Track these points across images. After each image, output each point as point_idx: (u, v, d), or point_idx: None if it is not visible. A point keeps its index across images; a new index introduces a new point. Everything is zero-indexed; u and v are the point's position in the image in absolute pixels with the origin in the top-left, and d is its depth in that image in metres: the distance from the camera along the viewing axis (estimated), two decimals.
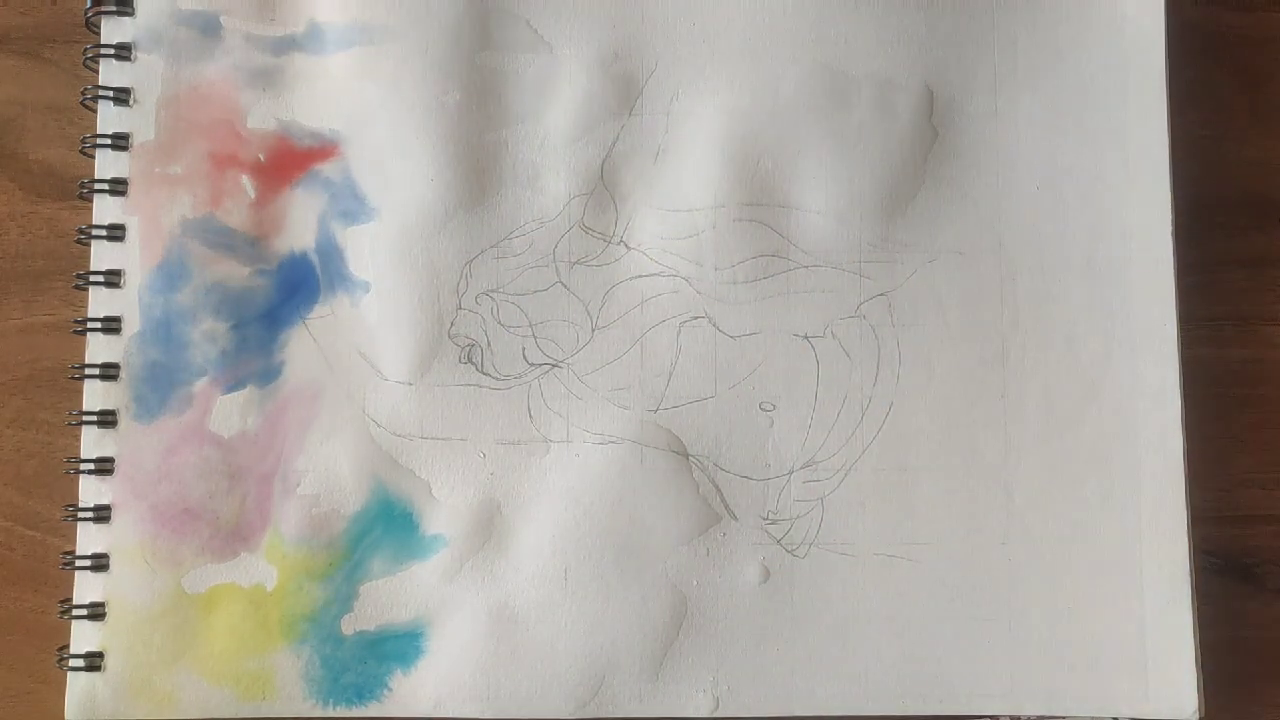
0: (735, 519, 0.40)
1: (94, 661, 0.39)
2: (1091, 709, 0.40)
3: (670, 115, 0.42)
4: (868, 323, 0.41)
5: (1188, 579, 0.40)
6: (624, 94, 0.41)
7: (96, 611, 0.39)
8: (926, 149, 0.41)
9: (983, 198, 0.41)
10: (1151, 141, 0.41)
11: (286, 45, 0.41)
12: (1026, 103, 0.42)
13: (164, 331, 0.40)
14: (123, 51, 0.41)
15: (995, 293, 0.41)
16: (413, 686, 0.39)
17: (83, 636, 0.39)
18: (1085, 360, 0.41)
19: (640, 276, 0.41)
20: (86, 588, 0.39)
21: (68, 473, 0.39)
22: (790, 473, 0.40)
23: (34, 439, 0.41)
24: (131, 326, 0.40)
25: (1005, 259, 0.41)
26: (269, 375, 0.40)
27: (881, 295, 0.41)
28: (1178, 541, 0.40)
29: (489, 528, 0.40)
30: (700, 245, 0.41)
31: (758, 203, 0.41)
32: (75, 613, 0.39)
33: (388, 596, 0.40)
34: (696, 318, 0.41)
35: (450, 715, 0.39)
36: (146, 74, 0.41)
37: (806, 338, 0.41)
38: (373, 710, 0.39)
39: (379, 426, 0.40)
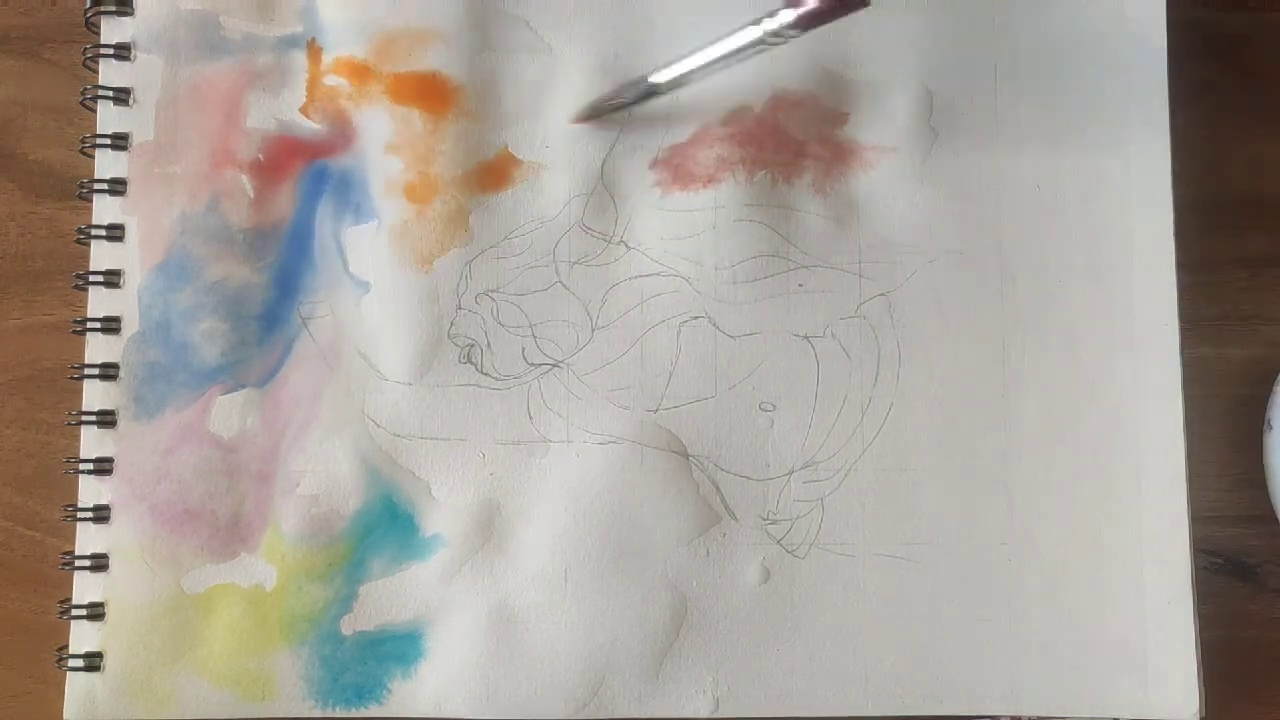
0: (735, 519, 0.40)
1: (93, 661, 0.39)
2: (1092, 709, 0.40)
3: (670, 115, 0.42)
4: (867, 323, 0.41)
5: (1188, 579, 0.40)
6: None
7: (96, 611, 0.39)
8: (926, 150, 0.41)
9: (983, 198, 0.41)
10: (1153, 142, 0.41)
11: (286, 45, 0.41)
12: (1027, 103, 0.42)
13: (163, 331, 0.40)
14: (122, 51, 0.41)
15: (995, 293, 0.41)
16: (413, 687, 0.39)
17: (82, 636, 0.39)
18: (1086, 360, 0.41)
19: (640, 276, 0.41)
20: (86, 588, 0.39)
21: (67, 473, 0.39)
22: (790, 473, 0.40)
23: (34, 439, 0.41)
24: (131, 326, 0.40)
25: (1005, 259, 0.41)
26: (268, 375, 0.40)
27: (881, 295, 0.41)
28: (1178, 541, 0.40)
29: (489, 528, 0.40)
30: (700, 245, 0.41)
31: (758, 203, 0.41)
32: (75, 613, 0.39)
33: (387, 597, 0.40)
34: (696, 318, 0.41)
35: (450, 716, 0.39)
36: (146, 74, 0.41)
37: (806, 338, 0.41)
38: (373, 711, 0.39)
39: (378, 427, 0.40)
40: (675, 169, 0.41)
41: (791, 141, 0.41)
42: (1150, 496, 0.40)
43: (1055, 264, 0.41)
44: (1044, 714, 0.40)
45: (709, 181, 0.41)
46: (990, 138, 0.42)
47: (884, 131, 0.42)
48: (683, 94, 0.42)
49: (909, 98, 0.41)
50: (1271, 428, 0.41)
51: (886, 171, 0.41)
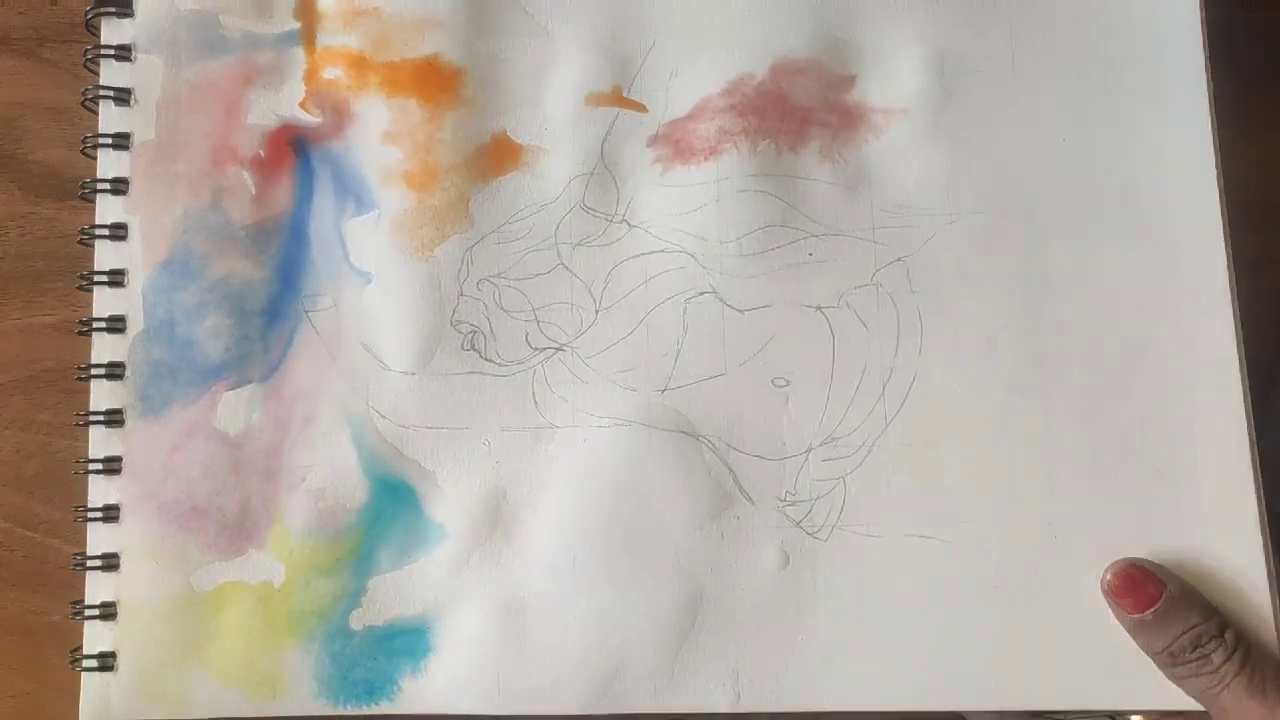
0: (751, 502, 0.38)
1: (107, 661, 0.38)
2: (1154, 702, 0.37)
3: (670, 92, 0.40)
4: (884, 291, 0.39)
5: (1261, 553, 0.36)
6: (622, 72, 0.41)
7: (108, 611, 0.39)
8: (939, 109, 0.40)
9: (1003, 155, 0.39)
10: (1190, 83, 0.39)
11: (285, 41, 0.41)
12: (1045, 56, 0.40)
13: (168, 330, 0.40)
14: (123, 53, 0.41)
15: (1022, 253, 0.39)
16: (423, 683, 0.38)
17: (95, 637, 0.39)
18: (1129, 320, 0.38)
19: (644, 254, 0.40)
20: (98, 588, 0.39)
21: (76, 473, 0.39)
22: (808, 451, 0.39)
23: (34, 439, 0.41)
24: (136, 325, 0.40)
25: (1033, 217, 0.39)
26: (272, 370, 0.40)
27: (898, 261, 0.39)
28: (1246, 514, 0.37)
29: (495, 517, 0.39)
30: (704, 219, 0.40)
31: (762, 173, 0.40)
32: (88, 613, 0.39)
33: (395, 590, 0.39)
34: (702, 293, 0.39)
35: (462, 711, 0.38)
36: (147, 74, 0.41)
37: (819, 309, 0.39)
38: (384, 708, 0.38)
39: (383, 418, 0.39)
40: (676, 144, 0.40)
41: (796, 109, 0.40)
42: (1210, 465, 0.37)
43: (1090, 220, 0.39)
44: (1105, 708, 0.37)
45: (710, 154, 0.40)
46: (1007, 92, 0.40)
47: (893, 93, 0.40)
48: (681, 66, 0.40)
49: (918, 56, 0.40)
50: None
51: (897, 134, 0.40)
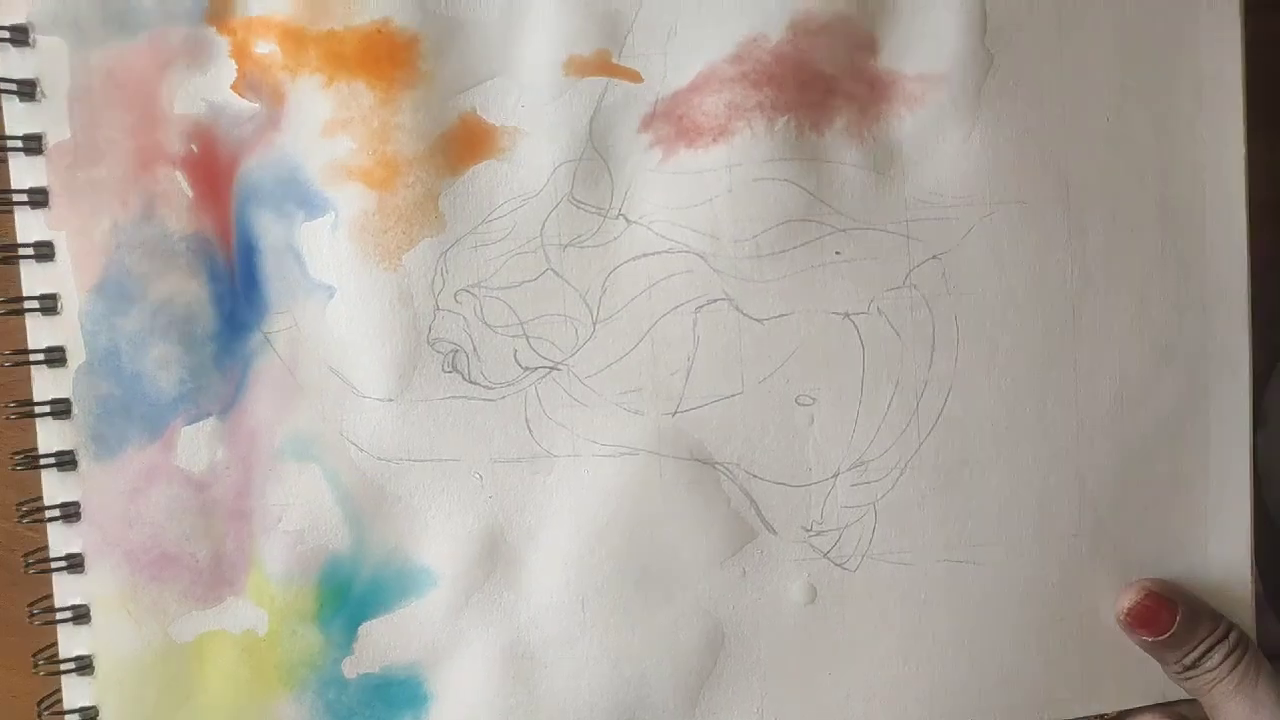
0: (774, 533, 0.35)
1: (89, 713, 0.36)
2: (1164, 694, 0.36)
3: (668, 57, 0.34)
4: (919, 293, 0.35)
5: (1248, 557, 0.36)
6: (610, 32, 0.34)
7: (84, 664, 0.36)
8: (980, 77, 0.34)
9: (1049, 134, 0.34)
10: (1223, 51, 0.34)
11: (207, 11, 0.35)
12: (1095, 14, 0.34)
13: (113, 361, 0.35)
14: (19, 35, 0.35)
15: (1063, 247, 0.35)
16: None
17: (74, 692, 0.36)
18: (1158, 321, 0.35)
19: (645, 256, 0.35)
20: (71, 642, 0.36)
21: (21, 520, 0.35)
22: (836, 475, 0.35)
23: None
24: (77, 357, 0.35)
25: (1074, 206, 0.35)
26: (232, 401, 0.36)
27: (934, 259, 0.35)
28: (1241, 515, 0.36)
29: (493, 558, 0.35)
30: (715, 213, 0.34)
31: (781, 158, 0.34)
32: (63, 668, 0.36)
33: (388, 637, 0.36)
34: (715, 301, 0.35)
35: None
36: (51, 60, 0.35)
37: (848, 316, 0.35)
38: None
39: (360, 450, 0.35)
40: (678, 122, 0.34)
41: (819, 77, 0.34)
42: (1217, 470, 0.36)
43: (1127, 210, 0.35)
44: (1116, 709, 0.36)
45: (720, 135, 0.34)
46: (1054, 57, 0.34)
47: (930, 56, 0.34)
48: (681, 24, 0.34)
49: (958, 13, 0.34)
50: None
51: (935, 106, 0.34)
